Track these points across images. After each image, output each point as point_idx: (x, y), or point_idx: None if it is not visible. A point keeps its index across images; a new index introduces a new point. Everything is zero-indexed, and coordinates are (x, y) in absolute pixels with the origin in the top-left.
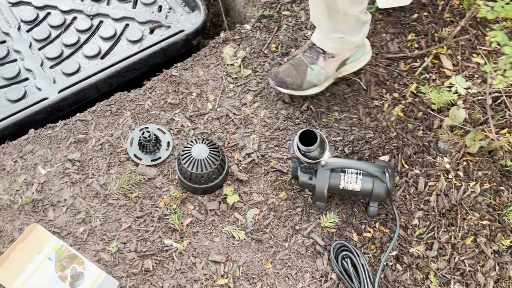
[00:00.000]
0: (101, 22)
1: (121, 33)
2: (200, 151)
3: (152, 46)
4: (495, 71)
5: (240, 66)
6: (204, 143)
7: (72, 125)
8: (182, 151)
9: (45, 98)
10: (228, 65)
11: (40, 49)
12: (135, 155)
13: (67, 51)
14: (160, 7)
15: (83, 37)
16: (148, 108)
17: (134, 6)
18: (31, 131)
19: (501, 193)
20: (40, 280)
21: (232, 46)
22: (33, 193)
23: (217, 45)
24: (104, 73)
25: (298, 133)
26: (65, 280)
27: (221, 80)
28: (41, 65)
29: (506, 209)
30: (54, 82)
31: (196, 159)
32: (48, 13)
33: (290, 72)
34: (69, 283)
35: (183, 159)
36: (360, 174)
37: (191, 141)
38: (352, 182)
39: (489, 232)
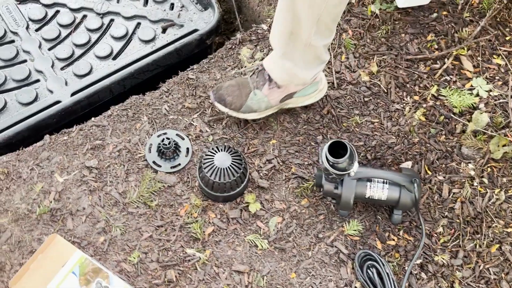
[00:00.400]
0: (112, 20)
1: (133, 33)
2: (222, 159)
3: (165, 46)
4: None
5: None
6: (227, 151)
7: (88, 131)
8: (204, 159)
9: (58, 101)
10: (245, 67)
11: (50, 49)
12: (154, 162)
13: (78, 52)
14: (172, 5)
15: (94, 36)
16: (165, 113)
17: (145, 4)
18: (47, 137)
19: None
20: None
21: (249, 48)
22: (51, 202)
23: (233, 46)
24: (118, 75)
25: (328, 144)
26: None
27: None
28: (52, 66)
29: None
30: (66, 84)
31: (218, 168)
32: (57, 11)
33: (233, 91)
34: None
35: (205, 168)
36: (386, 183)
37: (213, 149)
38: (378, 191)
39: None
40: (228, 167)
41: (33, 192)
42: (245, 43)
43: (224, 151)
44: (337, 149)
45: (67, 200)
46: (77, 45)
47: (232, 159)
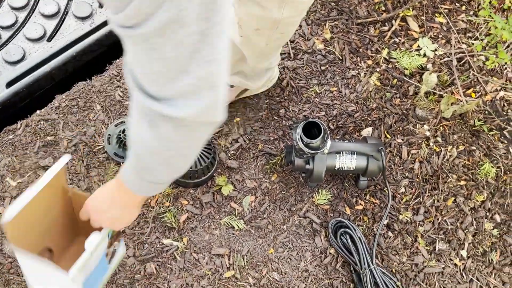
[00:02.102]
0: None
1: (66, 9)
2: None
3: (106, 23)
4: (486, 49)
5: None
6: None
7: (36, 126)
8: None
9: None
10: None
11: None
12: (115, 154)
13: (5, 35)
14: None
15: (21, 15)
16: (119, 99)
17: None
18: None
19: (473, 153)
20: (96, 258)
21: None
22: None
23: None
24: (58, 59)
25: (301, 125)
26: (108, 257)
27: None
28: None
29: (479, 168)
30: None
31: None
32: None
33: None
34: (108, 261)
35: None
36: (354, 154)
37: None
38: (347, 162)
39: (466, 191)
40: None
41: None
42: None
43: None
44: (310, 128)
45: None
46: (2, 28)
47: None
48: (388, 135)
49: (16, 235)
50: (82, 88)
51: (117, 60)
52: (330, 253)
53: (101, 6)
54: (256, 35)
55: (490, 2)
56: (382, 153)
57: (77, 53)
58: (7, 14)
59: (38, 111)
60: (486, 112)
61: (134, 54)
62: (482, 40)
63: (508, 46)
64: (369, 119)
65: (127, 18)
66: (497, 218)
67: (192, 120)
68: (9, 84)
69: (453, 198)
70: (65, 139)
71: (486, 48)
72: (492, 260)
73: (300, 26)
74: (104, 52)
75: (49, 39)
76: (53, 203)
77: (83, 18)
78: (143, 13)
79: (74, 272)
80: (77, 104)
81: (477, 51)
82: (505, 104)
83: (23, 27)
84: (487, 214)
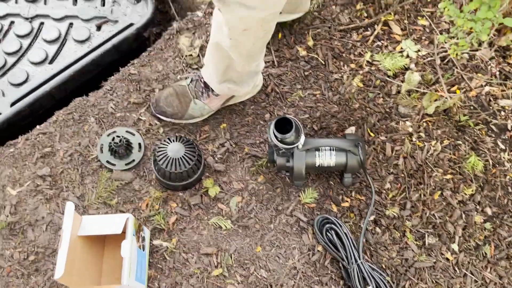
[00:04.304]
0: (42, 24)
1: (66, 34)
2: (176, 149)
3: (103, 44)
4: (451, 38)
5: (199, 55)
6: (179, 141)
7: (35, 140)
8: (158, 152)
9: None
10: (186, 56)
11: None
12: (108, 162)
13: (11, 60)
14: (103, 0)
15: (25, 42)
16: (112, 111)
17: (75, 3)
18: None
19: (459, 147)
20: (134, 256)
21: (187, 36)
22: (7, 216)
23: (171, 37)
24: (57, 79)
25: (273, 122)
26: (140, 247)
27: (182, 72)
28: None
29: (465, 161)
30: (3, 95)
31: (173, 158)
32: None
33: (172, 102)
34: (142, 248)
35: (160, 160)
36: (333, 150)
37: (165, 141)
38: (326, 158)
39: (453, 185)
40: (182, 156)
41: None
42: (183, 32)
43: (176, 141)
44: (284, 125)
45: (24, 212)
46: (8, 54)
47: (185, 148)
48: (371, 133)
49: (72, 281)
50: (78, 103)
51: (111, 77)
52: (318, 250)
53: (98, 29)
54: (243, 36)
55: None
56: (359, 147)
57: (75, 73)
58: (12, 41)
59: (38, 126)
60: (472, 107)
61: None
62: (448, 33)
63: (469, 33)
64: (352, 118)
65: None
66: (488, 211)
67: None
68: (13, 104)
69: (439, 192)
70: (61, 150)
71: (452, 39)
72: (486, 254)
73: (284, 35)
74: (101, 71)
75: (51, 62)
76: (84, 246)
77: (82, 41)
78: None
79: (125, 280)
80: (73, 118)
81: (441, 42)
82: (491, 99)
83: (27, 52)
84: (477, 207)
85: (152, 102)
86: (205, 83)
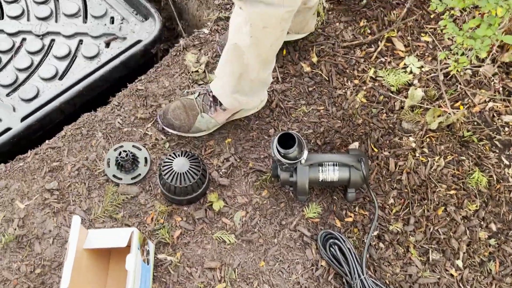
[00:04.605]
0: (52, 41)
1: (76, 50)
2: (181, 164)
3: (111, 60)
4: (449, 58)
5: (204, 71)
6: (184, 156)
7: (44, 154)
8: (163, 166)
9: (8, 129)
10: (192, 72)
11: None
12: (114, 176)
13: (22, 76)
14: (112, 18)
15: (36, 59)
16: (119, 126)
17: (85, 21)
18: (2, 166)
19: (462, 162)
20: (138, 270)
21: (194, 53)
22: (15, 229)
23: (178, 53)
24: (67, 95)
25: (276, 137)
26: (145, 261)
27: (188, 88)
28: None
29: (469, 177)
30: (14, 110)
31: (178, 173)
32: None
33: (179, 115)
34: (147, 263)
35: (165, 174)
36: (336, 165)
37: (171, 155)
38: (330, 174)
39: (457, 200)
40: (187, 170)
41: None
42: (189, 49)
43: (181, 156)
44: (288, 140)
45: (31, 225)
46: (20, 70)
47: (190, 162)
48: (375, 149)
49: None
50: (86, 118)
51: (119, 93)
52: (321, 265)
53: (107, 46)
54: (263, 33)
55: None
56: (362, 162)
57: (84, 88)
58: (24, 57)
59: (47, 141)
60: (475, 123)
61: None
62: (450, 50)
63: (470, 49)
64: (356, 134)
65: None
66: (493, 227)
67: None
68: (23, 119)
69: (443, 207)
70: (69, 164)
71: (454, 56)
72: (490, 270)
73: (288, 52)
74: (109, 87)
75: (61, 78)
76: (89, 259)
77: (91, 58)
78: None
79: None
80: (81, 133)
81: (442, 60)
82: (494, 115)
83: (38, 69)
84: (481, 223)
85: (160, 114)
86: (213, 97)
